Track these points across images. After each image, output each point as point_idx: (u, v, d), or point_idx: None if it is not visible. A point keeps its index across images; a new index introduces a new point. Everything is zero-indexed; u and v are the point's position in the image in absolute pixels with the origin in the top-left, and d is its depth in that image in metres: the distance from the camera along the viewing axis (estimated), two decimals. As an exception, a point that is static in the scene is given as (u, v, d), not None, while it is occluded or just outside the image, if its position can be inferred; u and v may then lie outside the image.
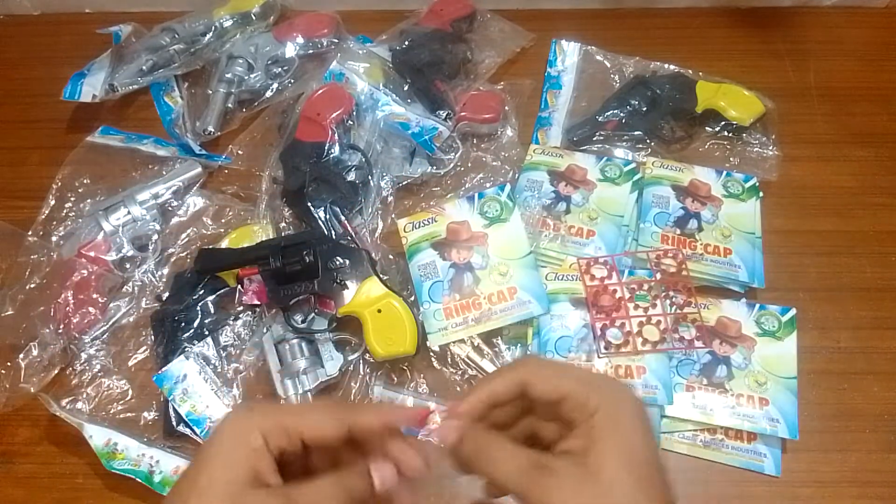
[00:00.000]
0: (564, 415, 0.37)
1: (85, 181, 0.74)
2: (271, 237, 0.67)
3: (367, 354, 0.64)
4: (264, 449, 0.36)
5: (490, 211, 0.69)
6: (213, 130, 0.78)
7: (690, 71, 0.80)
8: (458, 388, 0.63)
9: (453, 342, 0.63)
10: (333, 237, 0.65)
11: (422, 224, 0.69)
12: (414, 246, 0.68)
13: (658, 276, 0.66)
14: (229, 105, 0.80)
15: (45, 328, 0.64)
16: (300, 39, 0.82)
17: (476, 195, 0.70)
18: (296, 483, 0.36)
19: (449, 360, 0.64)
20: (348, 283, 0.62)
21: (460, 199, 0.70)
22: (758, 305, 0.65)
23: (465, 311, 0.64)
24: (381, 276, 0.63)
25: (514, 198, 0.70)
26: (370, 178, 0.71)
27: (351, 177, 0.71)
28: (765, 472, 0.59)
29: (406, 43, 0.80)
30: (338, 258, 0.62)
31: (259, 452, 0.35)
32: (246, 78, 0.80)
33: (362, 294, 0.62)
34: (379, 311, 0.61)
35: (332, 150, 0.70)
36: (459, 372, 0.64)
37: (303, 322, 0.63)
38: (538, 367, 0.39)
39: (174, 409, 0.61)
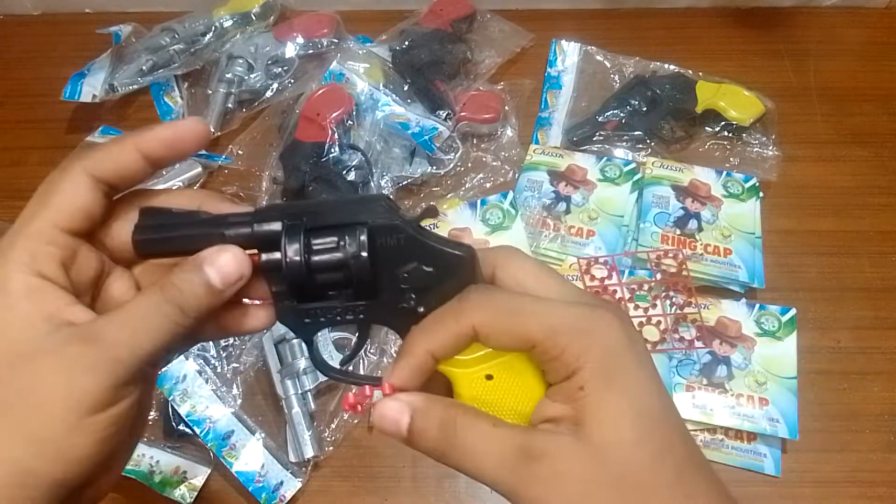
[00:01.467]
0: (539, 363, 0.29)
1: (85, 181, 0.74)
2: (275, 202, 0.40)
3: (369, 354, 0.64)
4: (43, 284, 0.28)
5: (492, 218, 0.69)
6: (213, 130, 0.78)
7: (690, 71, 0.80)
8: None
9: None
10: (403, 217, 0.32)
11: (422, 226, 0.69)
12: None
13: (658, 276, 0.66)
14: (229, 105, 0.80)
15: (45, 328, 0.64)
16: (300, 39, 0.82)
17: (479, 201, 0.70)
18: (108, 313, 0.29)
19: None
20: (424, 306, 0.32)
21: (462, 205, 0.70)
22: (758, 305, 0.65)
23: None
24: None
25: (516, 206, 0.70)
26: (370, 178, 0.71)
27: (351, 177, 0.71)
28: (765, 471, 0.59)
29: (406, 43, 0.80)
30: (412, 261, 0.32)
31: (39, 292, 0.28)
32: (246, 78, 0.80)
33: None
34: (489, 376, 0.31)
35: (332, 150, 0.70)
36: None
37: (344, 364, 0.36)
38: (490, 308, 0.29)
39: (174, 409, 0.61)
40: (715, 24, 0.88)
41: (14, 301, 0.28)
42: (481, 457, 0.28)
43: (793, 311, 0.64)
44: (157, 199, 0.33)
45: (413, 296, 0.32)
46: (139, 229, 0.32)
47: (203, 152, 0.76)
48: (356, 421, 0.62)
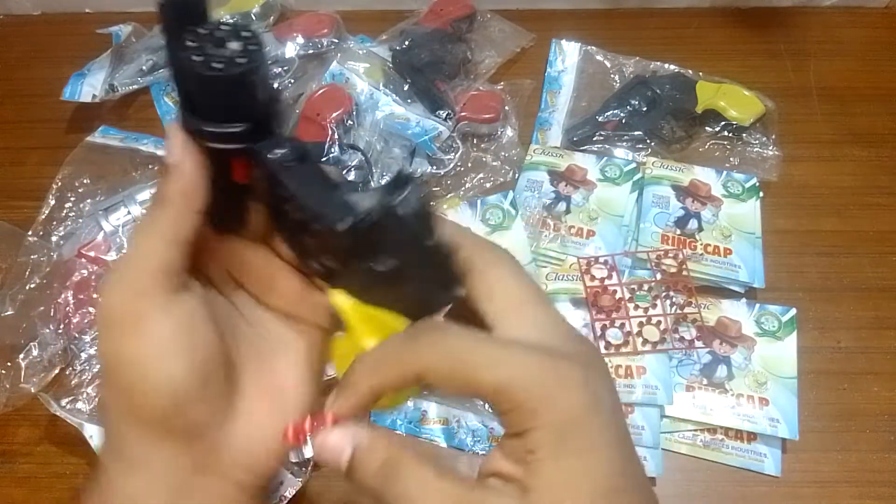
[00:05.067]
0: (497, 412, 0.27)
1: (85, 181, 0.74)
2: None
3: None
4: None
5: (492, 218, 0.69)
6: (213, 130, 0.78)
7: (690, 71, 0.80)
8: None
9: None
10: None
11: (422, 226, 0.69)
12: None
13: (658, 276, 0.66)
14: (229, 105, 0.80)
15: (45, 328, 0.64)
16: (300, 39, 0.82)
17: (479, 201, 0.70)
18: None
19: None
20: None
21: (462, 205, 0.70)
22: (758, 305, 0.65)
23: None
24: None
25: (516, 206, 0.70)
26: (370, 178, 0.71)
27: (351, 177, 0.71)
28: (765, 472, 0.59)
29: (406, 43, 0.80)
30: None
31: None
32: (246, 78, 0.80)
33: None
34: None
35: (332, 150, 0.70)
36: (459, 372, 0.64)
37: None
38: (439, 353, 0.26)
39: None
40: (715, 24, 0.88)
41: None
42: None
43: (793, 311, 0.65)
44: None
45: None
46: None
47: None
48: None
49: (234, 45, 0.25)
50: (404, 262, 0.26)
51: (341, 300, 0.29)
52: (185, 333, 0.27)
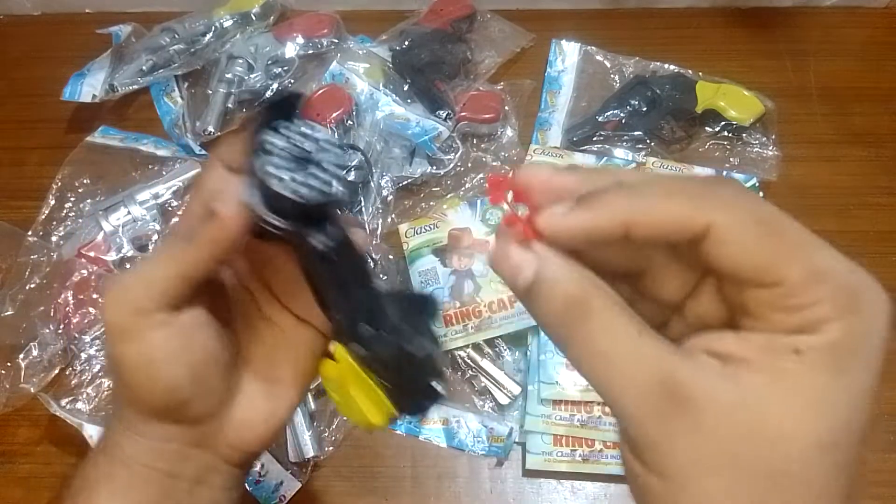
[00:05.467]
0: (755, 300, 0.21)
1: (85, 181, 0.74)
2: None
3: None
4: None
5: (492, 218, 0.69)
6: (213, 130, 0.78)
7: (690, 71, 0.80)
8: (457, 387, 0.64)
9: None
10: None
11: (423, 230, 0.68)
12: (415, 252, 0.67)
13: (658, 276, 0.66)
14: (229, 105, 0.80)
15: (45, 328, 0.64)
16: (300, 39, 0.82)
17: (479, 201, 0.70)
18: None
19: (449, 359, 0.64)
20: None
21: (462, 205, 0.70)
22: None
23: (465, 319, 0.64)
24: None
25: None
26: (370, 178, 0.71)
27: (351, 177, 0.71)
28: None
29: (406, 43, 0.80)
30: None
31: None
32: (246, 78, 0.80)
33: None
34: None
35: (332, 150, 0.70)
36: (460, 372, 0.64)
37: None
38: (745, 214, 0.21)
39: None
40: (715, 24, 0.88)
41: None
42: (612, 368, 0.21)
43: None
44: None
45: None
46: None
47: (203, 152, 0.76)
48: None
49: (315, 180, 0.26)
50: (398, 377, 0.28)
51: (341, 353, 0.30)
52: (183, 346, 0.30)
